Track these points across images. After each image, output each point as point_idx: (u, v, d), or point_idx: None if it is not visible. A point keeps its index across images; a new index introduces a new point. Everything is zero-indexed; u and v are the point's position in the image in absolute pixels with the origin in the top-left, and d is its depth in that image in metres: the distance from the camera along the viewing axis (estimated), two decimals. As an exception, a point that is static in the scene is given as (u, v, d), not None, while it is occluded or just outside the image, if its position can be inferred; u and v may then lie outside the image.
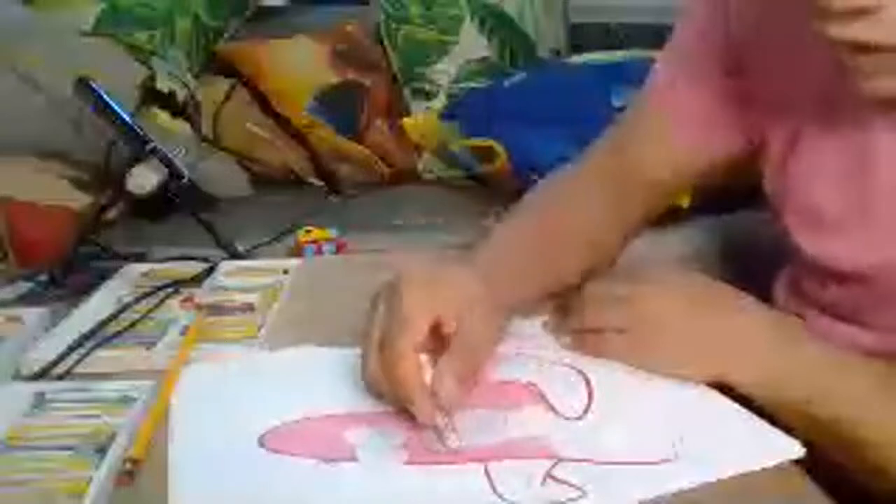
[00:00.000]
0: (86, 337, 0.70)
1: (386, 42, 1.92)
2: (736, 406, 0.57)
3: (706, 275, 0.66)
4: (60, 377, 0.65)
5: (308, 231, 1.25)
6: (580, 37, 2.01)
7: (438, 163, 1.80)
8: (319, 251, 1.22)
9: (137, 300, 0.78)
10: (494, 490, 0.49)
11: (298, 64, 1.81)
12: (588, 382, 0.61)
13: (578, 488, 0.49)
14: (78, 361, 0.67)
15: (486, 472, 0.50)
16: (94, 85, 1.15)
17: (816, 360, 0.58)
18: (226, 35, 1.94)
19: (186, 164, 1.05)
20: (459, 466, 0.51)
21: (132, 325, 0.73)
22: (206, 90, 1.78)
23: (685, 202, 1.41)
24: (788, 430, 0.55)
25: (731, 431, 0.55)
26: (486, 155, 1.62)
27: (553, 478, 0.50)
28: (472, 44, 1.89)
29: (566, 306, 0.68)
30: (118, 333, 0.71)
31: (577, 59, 1.76)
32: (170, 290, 0.81)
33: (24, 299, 0.85)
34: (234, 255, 1.02)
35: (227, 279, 0.85)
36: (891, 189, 0.64)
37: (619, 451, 0.52)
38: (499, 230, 0.76)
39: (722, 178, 0.82)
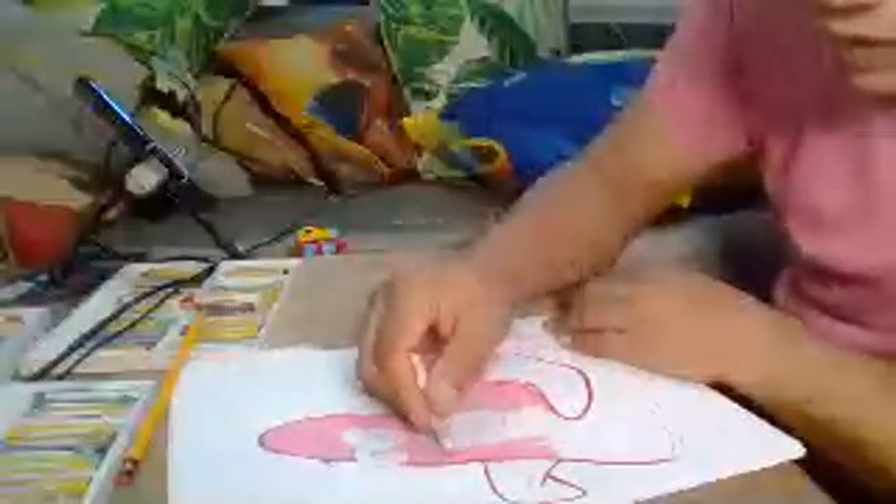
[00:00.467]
0: (86, 337, 0.70)
1: (386, 42, 1.92)
2: (736, 406, 0.57)
3: (706, 275, 0.66)
4: (60, 377, 0.65)
5: (308, 231, 1.25)
6: (580, 37, 2.01)
7: (438, 163, 1.81)
8: (319, 251, 1.22)
9: (137, 300, 0.78)
10: (494, 490, 0.49)
11: (298, 64, 1.81)
12: (588, 382, 0.61)
13: (578, 488, 0.49)
14: (78, 361, 0.67)
15: (486, 472, 0.50)
16: (94, 85, 1.15)
17: (816, 360, 0.58)
18: (226, 35, 1.94)
19: (186, 164, 1.05)
20: (459, 466, 0.51)
21: (132, 325, 0.73)
22: (206, 90, 1.78)
23: (685, 202, 1.41)
24: (788, 430, 0.54)
25: (731, 431, 0.55)
26: (486, 155, 1.62)
27: (553, 478, 0.50)
28: (472, 44, 1.89)
29: (566, 306, 0.68)
30: (118, 333, 0.71)
31: (577, 59, 1.76)
32: (170, 290, 0.81)
33: (24, 299, 0.85)
34: (234, 255, 1.02)
35: (227, 279, 0.85)
36: (892, 190, 0.64)
37: (618, 450, 0.52)
38: (498, 229, 0.76)
39: (722, 178, 0.82)
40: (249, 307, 0.78)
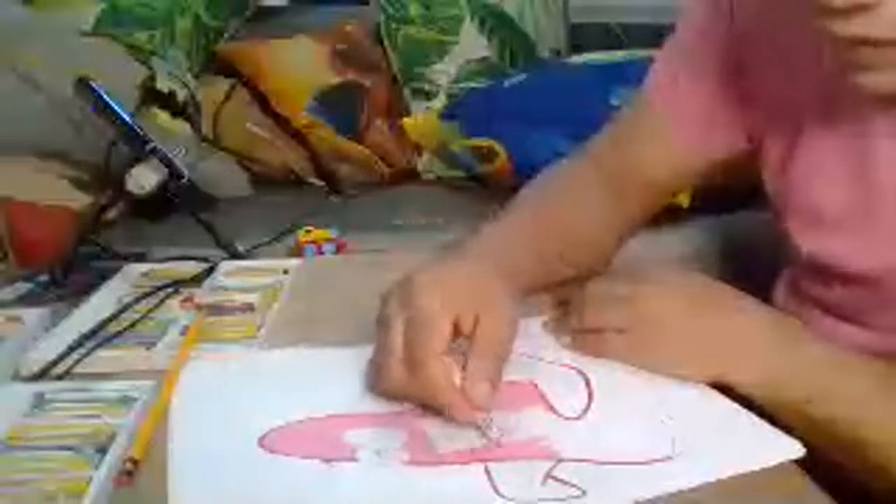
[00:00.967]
0: (86, 337, 0.70)
1: (386, 42, 1.92)
2: (736, 406, 0.57)
3: (706, 275, 0.66)
4: (60, 377, 0.65)
5: (308, 231, 1.25)
6: (580, 37, 2.01)
7: (438, 163, 1.81)
8: (319, 251, 1.22)
9: (137, 300, 0.78)
10: (495, 490, 0.49)
11: (298, 64, 1.81)
12: (588, 382, 0.61)
13: (578, 488, 0.49)
14: (78, 361, 0.67)
15: (487, 472, 0.50)
16: (94, 85, 1.14)
17: (816, 360, 0.58)
18: (226, 35, 1.94)
19: (186, 164, 1.05)
20: (460, 466, 0.51)
21: (132, 325, 0.73)
22: (206, 90, 1.78)
23: (685, 202, 1.41)
24: (788, 430, 0.54)
25: (731, 431, 0.55)
26: (486, 155, 1.62)
27: (553, 478, 0.50)
28: (472, 44, 1.89)
29: (566, 305, 0.68)
30: (118, 333, 0.71)
31: (577, 59, 1.76)
32: (170, 290, 0.81)
33: (24, 299, 0.85)
34: (234, 255, 1.02)
35: (227, 279, 0.85)
36: (892, 190, 0.64)
37: (619, 450, 0.52)
38: (494, 225, 0.75)
39: (722, 178, 0.83)
40: (249, 307, 0.78)
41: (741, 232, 1.30)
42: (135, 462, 0.52)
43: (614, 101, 1.51)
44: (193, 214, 1.07)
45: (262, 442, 0.54)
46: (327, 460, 0.52)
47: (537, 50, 1.94)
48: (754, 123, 0.75)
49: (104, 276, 0.86)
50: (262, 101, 1.81)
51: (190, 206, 1.09)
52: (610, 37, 1.95)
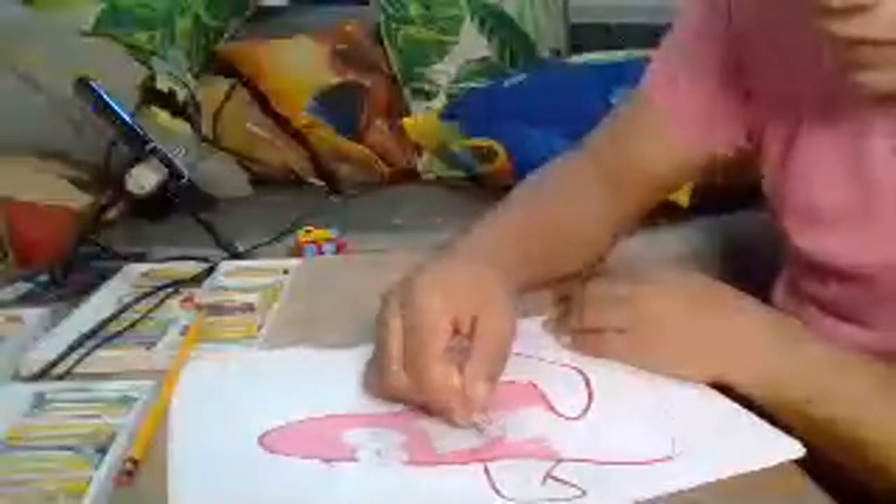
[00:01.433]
0: (86, 337, 0.70)
1: (386, 42, 1.92)
2: (736, 406, 0.57)
3: (705, 275, 0.67)
4: (60, 377, 0.65)
5: (308, 231, 1.25)
6: (580, 37, 2.01)
7: (438, 163, 1.81)
8: (319, 251, 1.22)
9: (137, 300, 0.78)
10: (495, 490, 0.49)
11: (298, 64, 1.81)
12: (588, 382, 0.61)
13: (578, 488, 0.49)
14: (78, 361, 0.67)
15: (486, 472, 0.50)
16: (94, 85, 1.14)
17: (816, 360, 0.58)
18: (226, 35, 1.94)
19: (186, 164, 1.05)
20: (459, 466, 0.51)
21: (132, 325, 0.73)
22: (206, 90, 1.78)
23: (685, 202, 1.41)
24: (788, 430, 0.54)
25: (731, 431, 0.55)
26: (486, 155, 1.62)
27: (553, 478, 0.50)
28: (472, 44, 1.89)
29: (566, 304, 0.68)
30: (118, 333, 0.71)
31: (577, 59, 1.76)
32: (170, 290, 0.81)
33: (24, 299, 0.84)
34: (234, 255, 1.02)
35: (227, 279, 0.85)
36: (888, 189, 0.64)
37: (619, 450, 0.52)
38: (488, 224, 0.75)
39: (721, 177, 0.83)
40: (249, 307, 0.78)
41: (740, 232, 1.30)
42: (135, 462, 0.52)
43: (614, 101, 1.51)
44: (193, 214, 1.07)
45: (261, 442, 0.54)
46: (327, 460, 0.52)
47: (537, 50, 1.94)
48: (753, 122, 0.75)
49: (104, 276, 0.86)
50: (262, 101, 1.81)
51: (190, 206, 1.09)
52: (610, 37, 1.95)
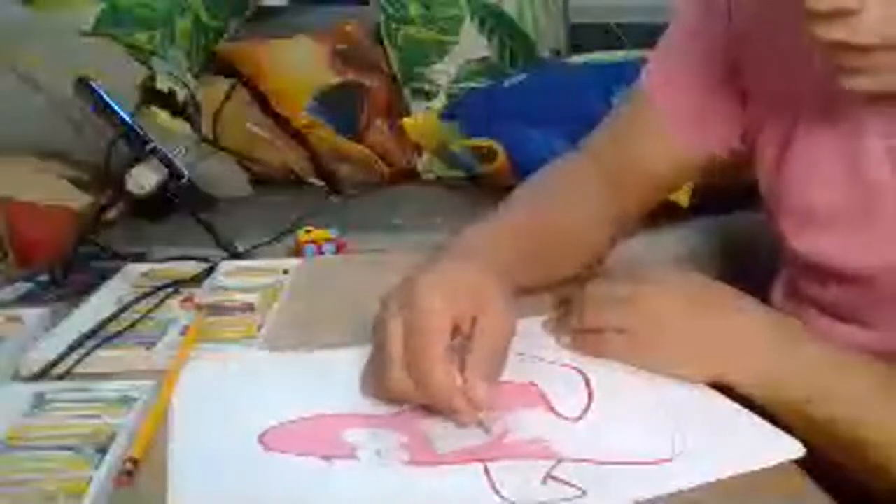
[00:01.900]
0: (86, 337, 0.70)
1: (386, 42, 1.92)
2: (736, 406, 0.57)
3: (704, 275, 0.67)
4: (60, 377, 0.65)
5: (308, 231, 1.25)
6: (580, 37, 2.01)
7: (438, 163, 1.81)
8: (319, 251, 1.22)
9: (137, 300, 0.78)
10: (495, 490, 0.49)
11: (298, 64, 1.81)
12: (588, 382, 0.61)
13: (578, 488, 0.49)
14: (78, 361, 0.67)
15: (486, 472, 0.50)
16: (94, 85, 1.15)
17: (816, 360, 0.58)
18: (226, 35, 1.94)
19: (186, 164, 1.05)
20: (460, 466, 0.51)
21: (132, 325, 0.73)
22: (206, 90, 1.78)
23: (684, 202, 1.41)
24: (788, 430, 0.55)
25: (731, 431, 0.55)
26: (486, 155, 1.62)
27: (553, 478, 0.50)
28: (472, 44, 1.89)
29: (566, 306, 0.68)
30: (118, 333, 0.71)
31: (577, 59, 1.76)
32: (170, 290, 0.81)
33: (24, 299, 0.84)
34: (234, 255, 1.02)
35: (227, 279, 0.85)
36: (884, 189, 0.64)
37: (619, 451, 0.52)
38: (489, 225, 0.75)
39: (720, 178, 0.83)
40: (249, 307, 0.78)
41: (739, 232, 1.29)
42: (135, 462, 0.52)
43: (614, 101, 1.51)
44: (193, 214, 1.07)
45: (262, 441, 0.54)
46: (327, 459, 0.52)
47: (537, 50, 1.94)
48: (749, 123, 0.75)
49: (104, 276, 0.86)
50: (262, 101, 1.81)
51: (190, 206, 1.09)
52: (610, 37, 1.95)
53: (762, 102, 0.73)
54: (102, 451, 0.53)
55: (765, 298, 0.76)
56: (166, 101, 1.64)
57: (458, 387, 0.54)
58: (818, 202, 0.68)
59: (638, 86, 0.80)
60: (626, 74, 1.52)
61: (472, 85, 1.86)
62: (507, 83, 1.71)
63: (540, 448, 0.53)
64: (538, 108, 1.59)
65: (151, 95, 1.62)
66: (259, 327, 0.73)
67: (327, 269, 0.97)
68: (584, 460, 0.51)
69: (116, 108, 1.11)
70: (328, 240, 1.24)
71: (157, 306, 0.77)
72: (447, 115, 1.72)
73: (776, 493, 0.49)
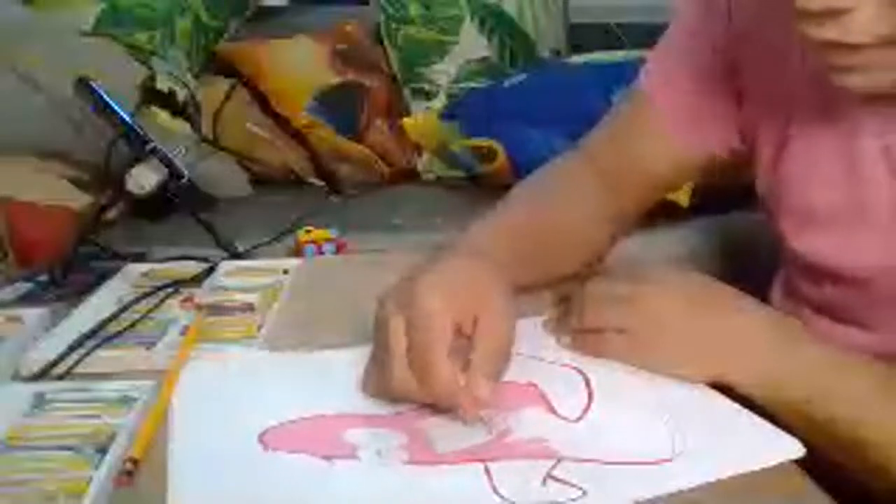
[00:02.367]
0: (86, 337, 0.70)
1: (386, 42, 1.92)
2: (736, 406, 0.57)
3: (704, 275, 0.67)
4: (60, 377, 0.65)
5: (308, 231, 1.25)
6: (580, 37, 2.01)
7: (438, 163, 1.81)
8: (319, 251, 1.22)
9: (137, 300, 0.78)
10: (494, 490, 0.49)
11: (298, 64, 1.81)
12: (588, 382, 0.61)
13: (579, 488, 0.49)
14: (78, 361, 0.67)
15: (487, 472, 0.50)
16: (94, 85, 1.15)
17: (816, 360, 0.58)
18: (226, 35, 1.94)
19: (186, 164, 1.05)
20: (460, 466, 0.51)
21: (132, 325, 0.73)
22: (206, 90, 1.78)
23: (684, 202, 1.41)
24: (788, 430, 0.54)
25: (731, 431, 0.55)
26: (486, 155, 1.62)
27: (553, 478, 0.50)
28: (472, 44, 1.89)
29: (566, 306, 0.68)
30: (118, 333, 0.71)
31: (577, 59, 1.76)
32: (170, 290, 0.81)
33: (24, 299, 0.84)
34: (234, 255, 1.02)
35: (227, 279, 0.85)
36: (879, 189, 0.64)
37: (619, 450, 0.52)
38: (486, 224, 0.75)
39: (720, 177, 0.83)
40: (249, 307, 0.78)
41: (738, 232, 1.30)
42: (135, 462, 0.52)
43: (614, 101, 1.50)
44: (193, 214, 1.07)
45: (262, 441, 0.54)
46: (328, 459, 0.52)
47: (537, 50, 1.94)
48: (745, 123, 0.75)
49: (104, 276, 0.86)
50: (262, 101, 1.81)
51: (190, 206, 1.09)
52: (609, 37, 1.95)
53: (759, 102, 0.73)
54: (102, 451, 0.53)
55: (764, 298, 0.76)
56: (166, 101, 1.64)
57: (461, 384, 0.54)
58: (815, 202, 0.68)
59: (637, 85, 0.80)
60: (626, 74, 1.51)
61: (472, 85, 1.86)
62: (507, 83, 1.71)
63: (540, 448, 0.53)
64: (538, 108, 1.59)
65: (151, 95, 1.62)
66: (259, 327, 0.73)
67: (327, 269, 0.97)
68: (584, 460, 0.51)
69: (116, 108, 1.10)
70: (328, 240, 1.24)
71: (157, 306, 0.77)
72: (447, 115, 1.72)
73: (776, 493, 0.49)
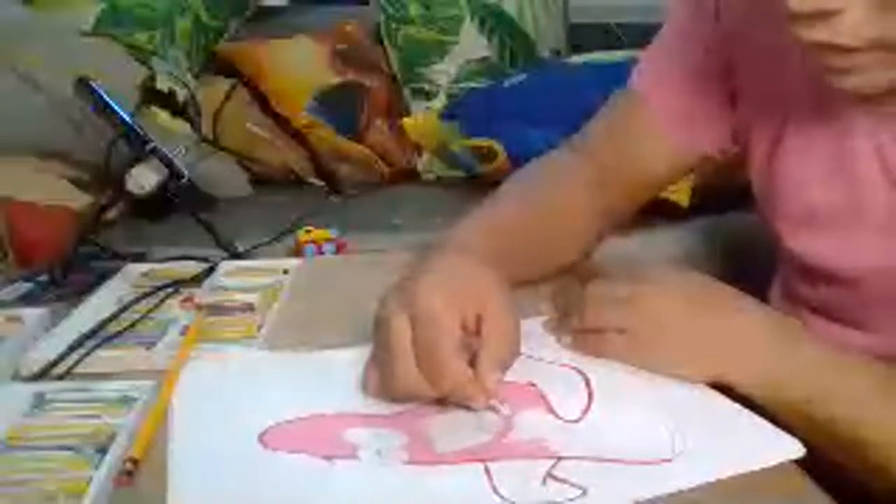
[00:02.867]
0: (86, 337, 0.70)
1: (386, 42, 1.92)
2: (736, 406, 0.57)
3: (704, 275, 0.67)
4: (60, 377, 0.65)
5: (308, 231, 1.25)
6: (580, 37, 2.01)
7: (438, 163, 1.81)
8: (319, 251, 1.22)
9: (137, 300, 0.78)
10: (494, 490, 0.49)
11: (298, 64, 1.81)
12: (588, 382, 0.61)
13: (579, 488, 0.49)
14: (78, 361, 0.67)
15: (487, 472, 0.50)
16: (94, 85, 1.14)
17: (816, 360, 0.58)
18: (226, 35, 1.94)
19: (186, 164, 1.05)
20: (460, 466, 0.51)
21: (132, 325, 0.73)
22: (206, 90, 1.78)
23: (684, 202, 1.41)
24: (788, 429, 0.55)
25: (731, 431, 0.55)
26: (486, 155, 1.62)
27: (553, 477, 0.50)
28: (472, 44, 1.89)
29: (566, 306, 0.68)
30: (118, 333, 0.71)
31: (577, 59, 1.76)
32: (170, 290, 0.81)
33: (24, 299, 0.84)
34: (234, 255, 1.02)
35: (227, 279, 0.85)
36: (871, 189, 0.64)
37: (619, 450, 0.52)
38: (477, 218, 0.75)
39: (716, 177, 0.83)
40: (249, 307, 0.78)
41: (737, 232, 1.29)
42: (135, 462, 0.52)
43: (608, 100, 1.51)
44: (193, 214, 1.07)
45: (262, 441, 0.54)
46: (328, 459, 0.52)
47: (537, 50, 1.94)
48: (739, 123, 0.75)
49: (104, 276, 0.86)
50: (262, 101, 1.81)
51: (190, 206, 1.09)
52: (609, 37, 1.95)
53: (752, 102, 0.73)
54: (102, 451, 0.53)
55: (763, 298, 0.76)
56: (166, 101, 1.64)
57: (471, 377, 0.55)
58: (809, 202, 0.69)
59: (630, 85, 0.81)
60: (626, 74, 1.52)
61: (472, 85, 1.86)
62: (507, 83, 1.71)
63: (540, 448, 0.53)
64: (538, 108, 1.59)
65: (151, 95, 1.62)
66: (259, 327, 0.73)
67: (327, 269, 0.97)
68: (583, 459, 0.51)
69: (116, 108, 1.10)
70: (328, 240, 1.23)
71: (157, 306, 0.77)
72: (447, 115, 1.72)
73: (776, 493, 0.49)
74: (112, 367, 0.66)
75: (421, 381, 0.55)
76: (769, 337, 0.60)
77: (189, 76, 1.78)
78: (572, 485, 0.49)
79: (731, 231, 1.28)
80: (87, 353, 0.68)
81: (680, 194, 1.39)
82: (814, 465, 0.52)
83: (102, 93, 1.13)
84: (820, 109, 0.66)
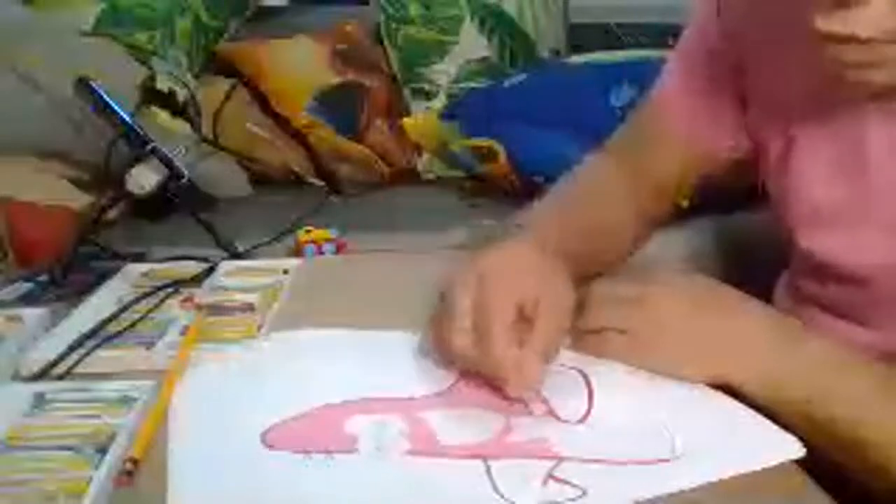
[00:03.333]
0: (86, 337, 0.70)
1: (386, 42, 1.92)
2: (737, 406, 0.57)
3: (708, 277, 0.67)
4: (60, 377, 0.65)
5: (308, 231, 1.25)
6: (580, 37, 2.01)
7: (438, 163, 1.80)
8: (319, 251, 1.22)
9: (137, 300, 0.78)
10: (495, 489, 0.49)
11: (298, 64, 1.81)
12: (588, 382, 0.61)
13: (579, 488, 0.49)
14: (78, 361, 0.67)
15: (487, 472, 0.50)
16: (94, 85, 1.14)
17: (816, 361, 0.58)
18: (226, 35, 1.94)
19: (186, 164, 1.05)
20: (460, 462, 0.51)
21: (132, 325, 0.73)
22: (206, 90, 1.78)
23: (685, 202, 1.41)
24: (789, 429, 0.55)
25: (731, 431, 0.55)
26: (486, 155, 1.62)
27: (554, 478, 0.50)
28: (472, 44, 1.89)
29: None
30: (118, 333, 0.71)
31: (577, 59, 1.76)
32: (170, 290, 0.81)
33: (24, 299, 0.84)
34: (234, 255, 1.02)
35: (227, 279, 0.85)
36: (882, 187, 0.64)
37: (620, 451, 0.52)
38: (541, 214, 0.77)
39: (726, 177, 0.83)
40: (249, 307, 0.78)
41: (741, 232, 1.29)
42: (135, 462, 0.52)
43: (614, 102, 1.51)
44: (193, 214, 1.07)
45: (262, 440, 0.54)
46: (329, 453, 0.52)
47: (537, 50, 1.94)
48: (752, 122, 0.75)
49: (104, 276, 0.86)
50: (262, 101, 1.81)
51: (190, 206, 1.09)
52: (609, 37, 1.95)
53: (762, 102, 0.73)
54: (102, 451, 0.53)
55: (767, 299, 0.76)
56: (166, 101, 1.64)
57: (514, 359, 0.56)
58: (821, 201, 0.68)
59: (658, 86, 0.81)
60: (626, 74, 1.52)
61: (472, 85, 1.86)
62: (507, 83, 1.71)
63: (541, 448, 0.53)
64: (538, 108, 1.59)
65: (151, 95, 1.62)
66: (259, 327, 0.73)
67: (327, 269, 0.97)
68: (584, 460, 0.51)
69: (116, 108, 1.10)
70: (328, 240, 1.23)
71: (157, 306, 0.77)
72: (447, 115, 1.72)
73: (776, 493, 0.49)
74: (112, 367, 0.66)
75: (469, 346, 0.58)
76: (769, 337, 0.60)
77: (189, 76, 1.78)
78: (572, 485, 0.49)
79: (735, 231, 1.28)
80: (87, 353, 0.68)
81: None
82: (814, 465, 0.52)
83: (102, 93, 1.13)
84: (830, 107, 0.66)
